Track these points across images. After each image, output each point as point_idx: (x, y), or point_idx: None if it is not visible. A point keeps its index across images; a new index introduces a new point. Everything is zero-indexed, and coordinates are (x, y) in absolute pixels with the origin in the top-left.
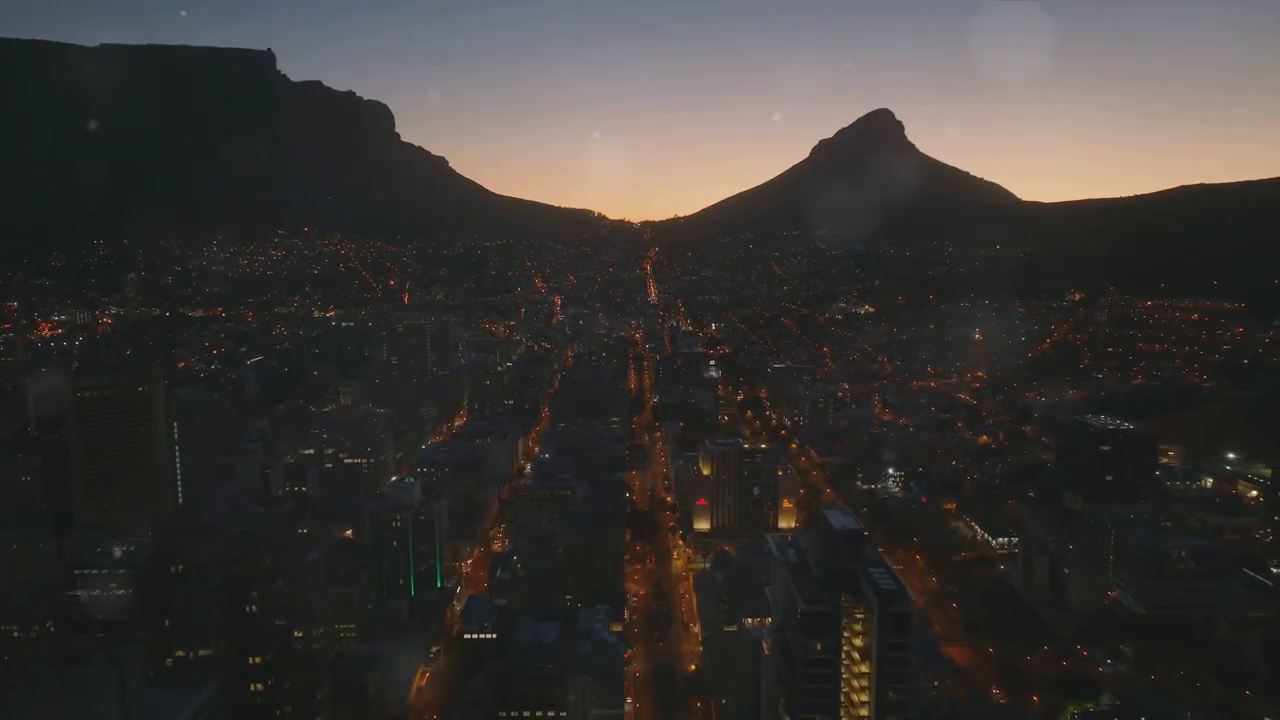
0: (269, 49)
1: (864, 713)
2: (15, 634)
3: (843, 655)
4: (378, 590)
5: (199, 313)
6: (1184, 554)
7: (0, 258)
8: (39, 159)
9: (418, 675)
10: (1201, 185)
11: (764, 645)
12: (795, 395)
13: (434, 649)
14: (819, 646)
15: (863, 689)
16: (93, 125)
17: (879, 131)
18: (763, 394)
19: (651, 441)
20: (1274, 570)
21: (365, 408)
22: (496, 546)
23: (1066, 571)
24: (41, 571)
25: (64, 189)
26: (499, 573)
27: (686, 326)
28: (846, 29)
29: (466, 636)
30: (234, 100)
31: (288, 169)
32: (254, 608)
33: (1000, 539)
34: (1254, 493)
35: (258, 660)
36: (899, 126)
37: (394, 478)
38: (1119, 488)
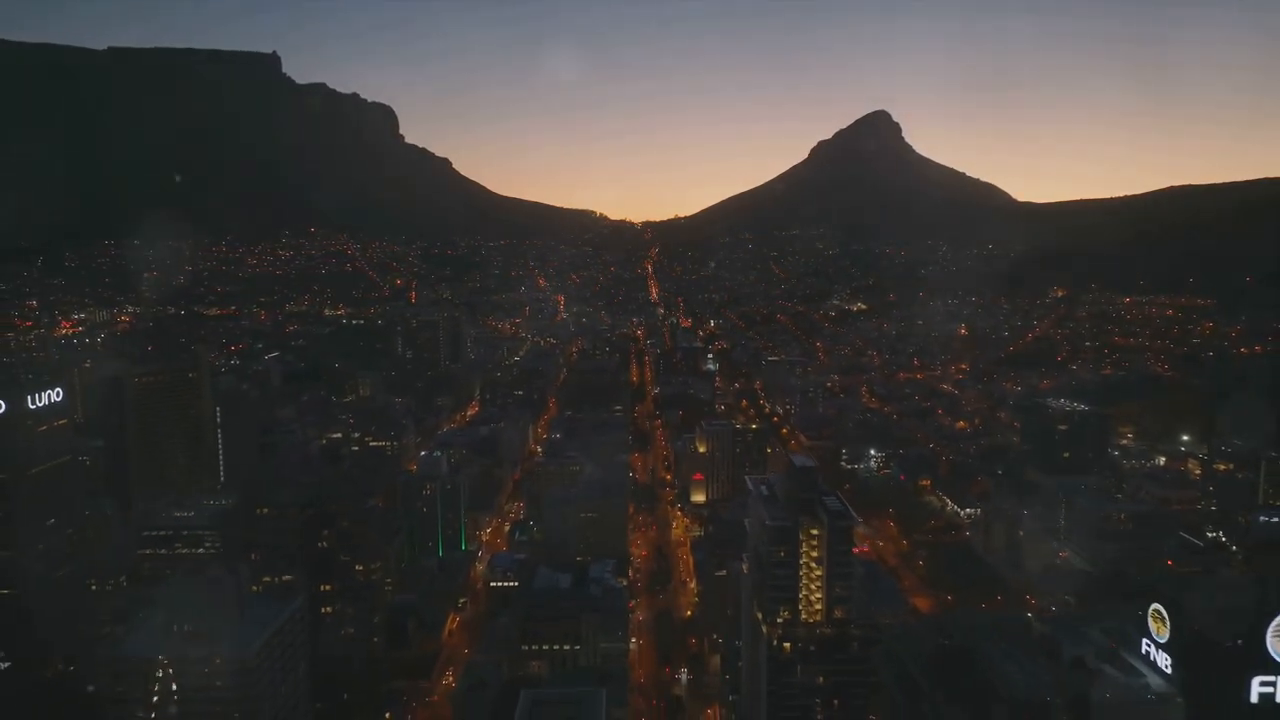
0: (274, 51)
1: (818, 607)
2: (93, 587)
3: (801, 565)
4: (410, 550)
5: (213, 311)
6: (1123, 517)
7: (15, 258)
8: (48, 161)
9: (449, 620)
10: (1189, 186)
11: (744, 567)
12: (788, 386)
13: (461, 600)
14: (782, 553)
15: (818, 590)
16: (101, 127)
17: (877, 133)
18: (757, 385)
19: (652, 428)
20: (1209, 534)
21: (384, 397)
22: (509, 524)
23: (1022, 534)
24: (113, 536)
25: (73, 191)
26: (517, 536)
27: (686, 324)
28: (846, 31)
29: (493, 584)
30: (240, 102)
31: (293, 170)
32: (324, 544)
33: (968, 510)
34: (1199, 469)
35: (327, 587)
36: (897, 128)
37: (423, 452)
38: (1074, 462)
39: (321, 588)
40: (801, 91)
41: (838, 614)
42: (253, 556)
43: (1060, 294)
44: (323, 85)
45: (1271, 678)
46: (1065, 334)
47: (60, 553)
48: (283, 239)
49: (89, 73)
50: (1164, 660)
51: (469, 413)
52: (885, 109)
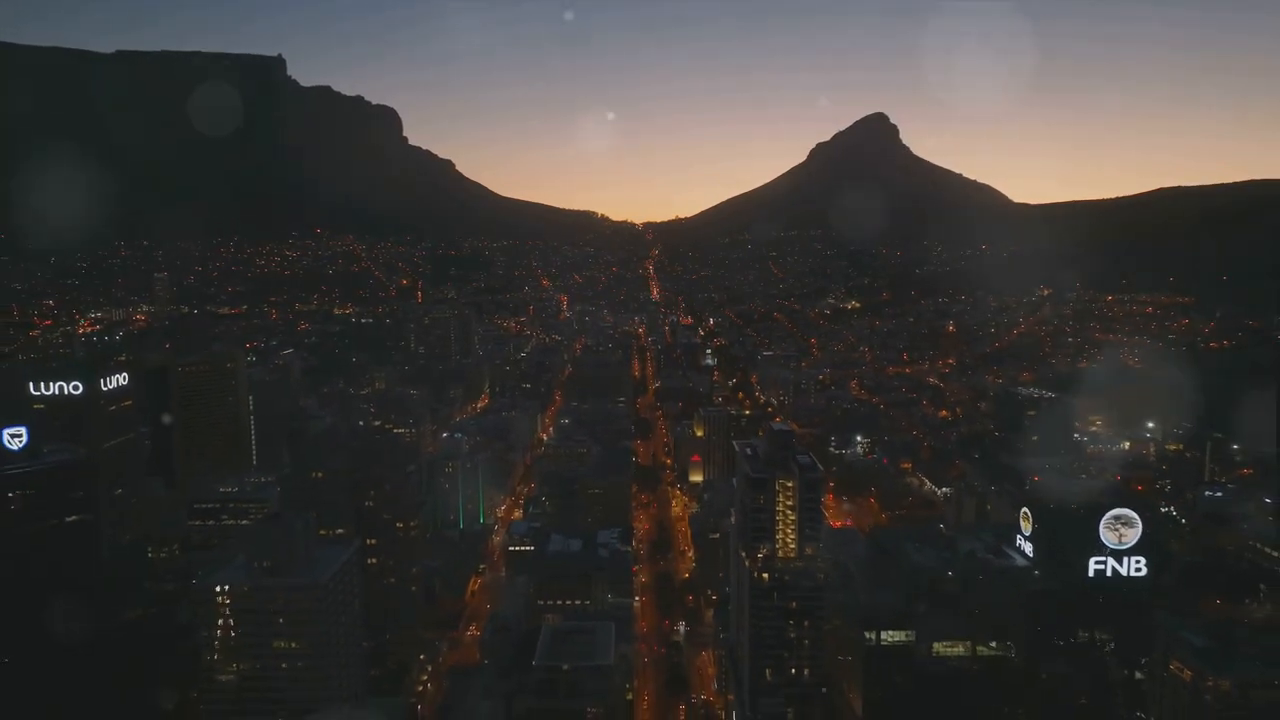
0: (279, 54)
1: (792, 545)
2: (150, 554)
3: (777, 511)
4: (433, 522)
5: (225, 310)
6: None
7: (28, 259)
8: (57, 164)
9: (470, 582)
10: (1176, 188)
11: (732, 518)
12: (782, 379)
13: (481, 565)
14: (761, 500)
15: (791, 531)
16: (109, 130)
17: (875, 134)
18: (753, 379)
19: (654, 419)
20: (1160, 509)
21: (400, 389)
22: (521, 503)
23: (988, 507)
24: (163, 509)
25: (83, 193)
26: (530, 509)
27: (686, 321)
28: (844, 34)
29: (510, 549)
30: (245, 104)
31: (298, 172)
32: (370, 503)
33: (943, 489)
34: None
35: (371, 542)
36: (894, 130)
37: (444, 434)
38: (1042, 445)
39: (368, 542)
40: (801, 94)
41: (808, 551)
42: (311, 514)
43: (1046, 293)
44: (327, 88)
45: (1103, 558)
46: (1049, 330)
47: (127, 521)
48: (290, 240)
49: (97, 76)
50: (1029, 548)
51: (479, 404)
52: (883, 111)
